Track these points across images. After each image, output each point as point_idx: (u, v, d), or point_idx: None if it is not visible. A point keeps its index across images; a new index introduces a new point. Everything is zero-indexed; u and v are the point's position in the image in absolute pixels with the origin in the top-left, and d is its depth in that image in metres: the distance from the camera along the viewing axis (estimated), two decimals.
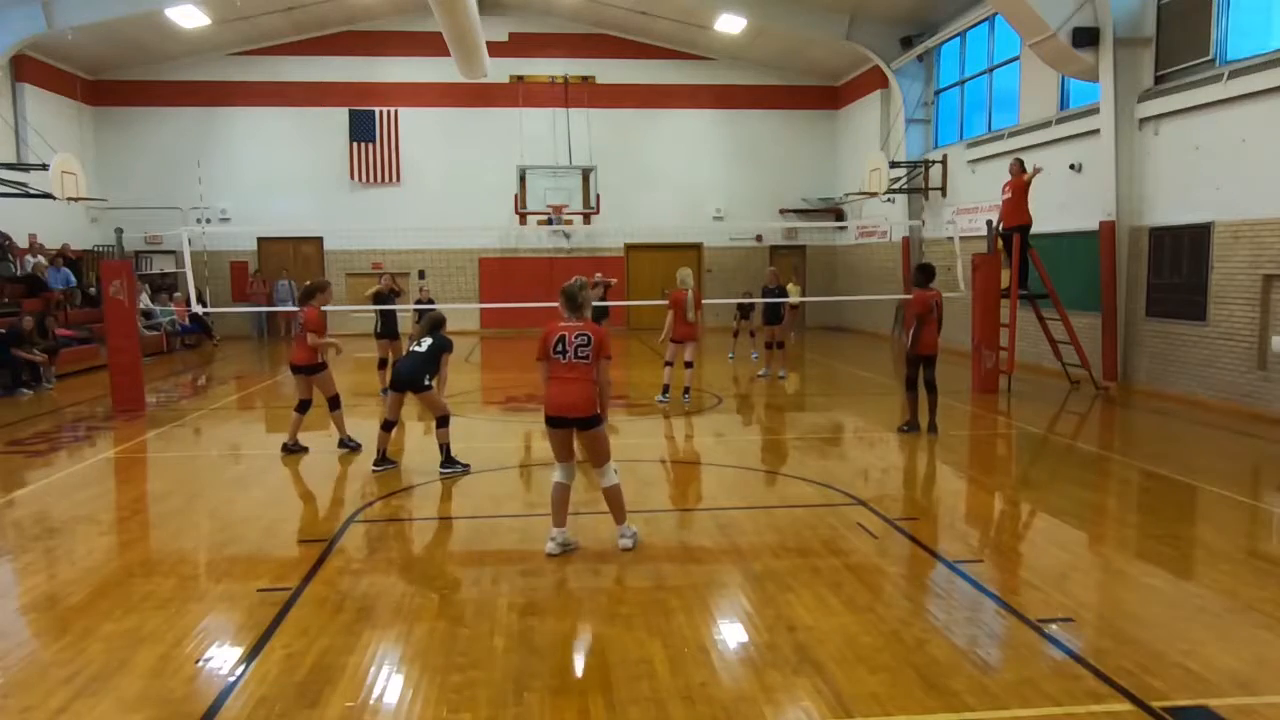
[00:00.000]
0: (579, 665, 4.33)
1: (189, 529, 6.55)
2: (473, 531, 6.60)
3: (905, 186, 19.95)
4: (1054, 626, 4.65)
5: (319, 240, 22.98)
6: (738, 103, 23.83)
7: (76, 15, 17.56)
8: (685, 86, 23.67)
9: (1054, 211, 14.14)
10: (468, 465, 8.16)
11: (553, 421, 5.74)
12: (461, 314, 21.06)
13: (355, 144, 22.71)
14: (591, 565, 5.61)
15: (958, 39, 18.49)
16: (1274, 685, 4.01)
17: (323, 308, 8.82)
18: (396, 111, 22.74)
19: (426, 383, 7.98)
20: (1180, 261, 12.02)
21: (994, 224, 13.06)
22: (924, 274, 9.90)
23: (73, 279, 18.25)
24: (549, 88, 23.13)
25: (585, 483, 7.49)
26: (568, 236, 23.33)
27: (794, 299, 16.62)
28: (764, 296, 14.81)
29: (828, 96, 24.21)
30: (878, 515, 6.68)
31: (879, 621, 4.71)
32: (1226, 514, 6.90)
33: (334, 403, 9.06)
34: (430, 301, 13.54)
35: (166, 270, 22.19)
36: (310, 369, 8.86)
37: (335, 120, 22.62)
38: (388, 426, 8.22)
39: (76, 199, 17.01)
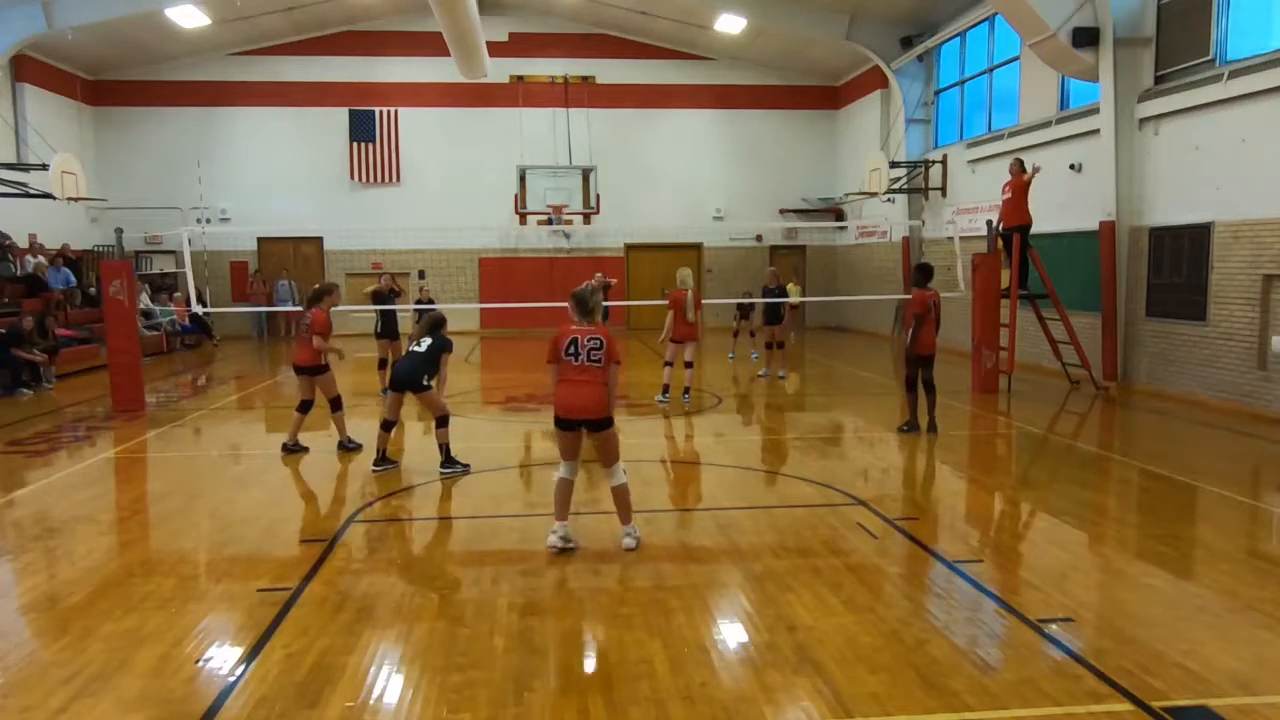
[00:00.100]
0: (579, 665, 4.33)
1: (189, 529, 6.55)
2: (473, 531, 6.60)
3: (905, 186, 19.95)
4: (1054, 626, 4.66)
5: (319, 240, 22.98)
6: (738, 103, 23.83)
7: (76, 15, 17.56)
8: (685, 86, 23.67)
9: (1054, 211, 14.14)
10: (468, 465, 8.17)
11: (563, 423, 5.76)
12: (461, 314, 21.05)
13: (355, 144, 22.72)
14: (592, 565, 5.61)
15: (958, 39, 18.50)
16: (1274, 685, 4.01)
17: (331, 310, 8.87)
18: (396, 111, 22.74)
19: (425, 383, 7.97)
20: (1180, 261, 12.02)
21: (994, 224, 13.06)
22: (922, 274, 9.91)
23: (73, 279, 18.25)
24: (549, 88, 23.14)
25: (586, 483, 7.49)
26: (568, 236, 23.34)
27: (794, 299, 16.63)
28: (764, 296, 14.81)
29: (828, 96, 24.21)
30: (878, 515, 6.68)
31: (879, 621, 4.71)
32: (1226, 514, 6.90)
33: (336, 404, 9.06)
34: (430, 301, 13.55)
35: (166, 270, 22.19)
36: (313, 370, 8.88)
37: (335, 120, 22.62)
38: (387, 426, 8.22)
39: (76, 199, 17.01)
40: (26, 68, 18.76)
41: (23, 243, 18.18)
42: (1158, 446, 9.47)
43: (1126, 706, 3.81)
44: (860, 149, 21.77)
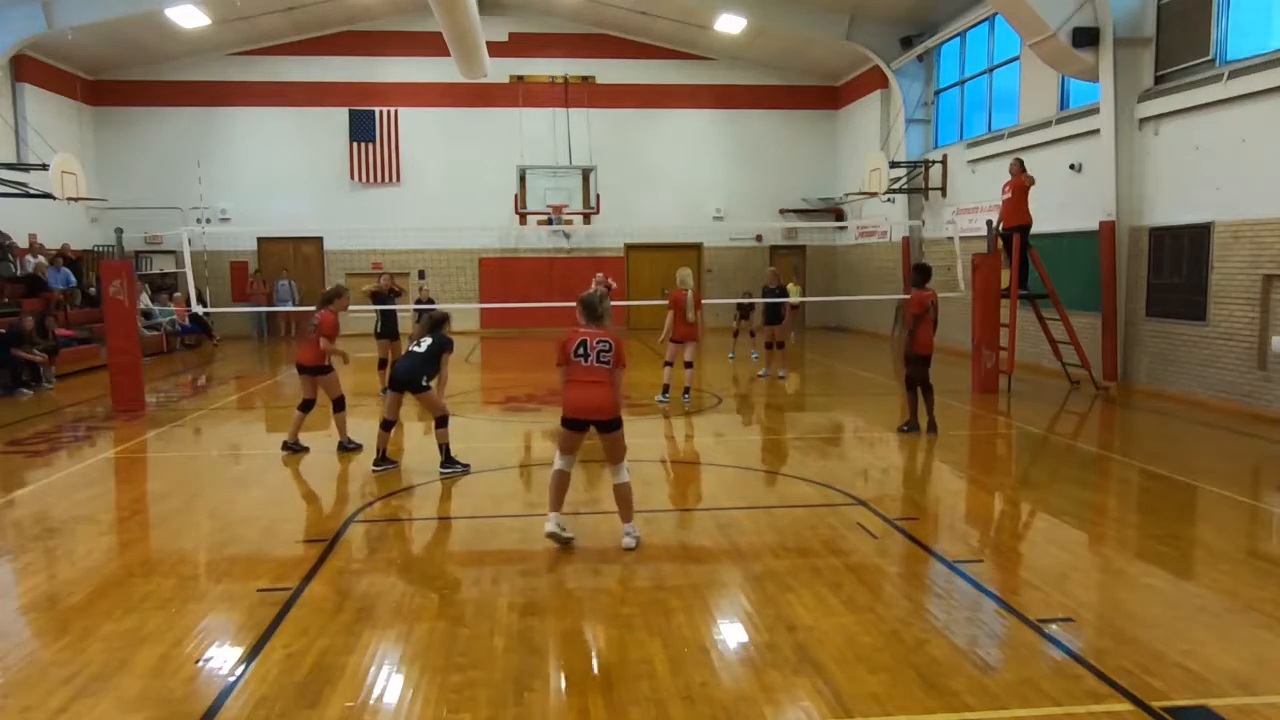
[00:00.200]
0: (579, 665, 4.33)
1: (189, 529, 6.55)
2: (473, 531, 6.60)
3: (905, 186, 19.95)
4: (1054, 626, 4.66)
5: (319, 240, 22.98)
6: (738, 103, 23.83)
7: (76, 15, 17.56)
8: (685, 86, 23.67)
9: (1054, 211, 14.14)
10: (468, 465, 8.16)
11: (571, 423, 5.81)
12: (461, 314, 21.00)
13: (355, 144, 22.72)
14: (591, 565, 5.62)
15: (958, 39, 18.50)
16: (1274, 685, 4.01)
17: (339, 313, 8.92)
18: (396, 111, 22.74)
19: (424, 384, 7.96)
20: (1180, 261, 12.02)
21: (994, 224, 13.07)
22: (920, 274, 9.95)
23: (73, 279, 18.25)
24: (549, 88, 23.14)
25: (586, 483, 7.50)
26: (568, 236, 23.34)
27: (794, 299, 16.63)
28: (764, 296, 14.82)
29: (828, 96, 24.21)
30: (878, 515, 6.68)
31: (879, 621, 4.71)
32: (1226, 514, 6.90)
33: (338, 404, 9.07)
34: (430, 301, 13.56)
35: (166, 270, 22.19)
36: (316, 370, 8.91)
37: (335, 120, 22.62)
38: (387, 426, 8.21)
39: (76, 199, 17.01)
40: (26, 68, 18.76)
41: (23, 243, 18.18)
42: (1158, 446, 9.47)
43: (1126, 706, 3.81)
44: (860, 149, 21.77)
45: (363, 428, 9.41)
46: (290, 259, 23.03)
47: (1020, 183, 13.24)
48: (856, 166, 21.35)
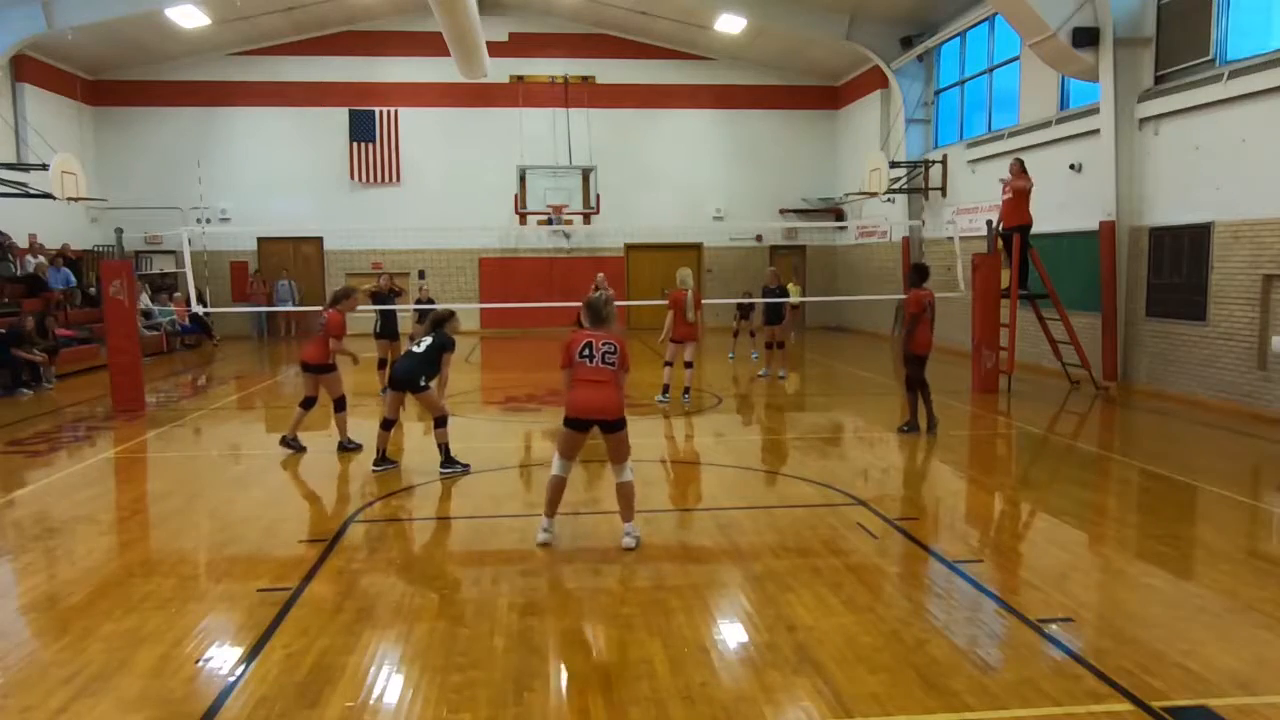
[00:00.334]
0: (579, 665, 4.33)
1: (189, 529, 6.55)
2: (473, 531, 6.60)
3: (905, 186, 19.94)
4: (1054, 626, 4.66)
5: (319, 240, 22.98)
6: (738, 103, 23.83)
7: (76, 15, 17.55)
8: (685, 86, 23.67)
9: (1054, 211, 14.14)
10: (468, 465, 8.16)
11: (576, 423, 5.83)
12: (461, 314, 20.92)
13: (355, 144, 22.71)
14: (591, 565, 5.62)
15: (958, 39, 18.49)
16: (1274, 685, 4.01)
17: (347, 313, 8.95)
18: (396, 111, 22.74)
19: (423, 384, 7.96)
20: (1180, 261, 12.02)
21: (994, 224, 13.07)
22: (918, 274, 9.97)
23: (73, 279, 18.25)
24: (549, 88, 23.14)
25: (586, 483, 7.51)
26: (568, 236, 23.34)
27: (794, 299, 16.63)
28: (764, 296, 14.81)
29: (828, 96, 24.21)
30: (878, 515, 6.68)
31: (879, 621, 4.71)
32: (1226, 514, 6.90)
33: (339, 404, 9.08)
34: (430, 301, 13.56)
35: (166, 270, 22.19)
36: (320, 369, 8.93)
37: (335, 120, 22.62)
38: (387, 426, 8.21)
39: (76, 199, 17.01)
40: (26, 68, 18.76)
41: (23, 243, 18.18)
42: (1158, 446, 9.47)
43: (1126, 706, 3.81)
44: (860, 149, 21.76)
45: (363, 428, 9.41)
46: (290, 259, 23.03)
47: (1022, 185, 13.23)
48: (856, 166, 21.35)
